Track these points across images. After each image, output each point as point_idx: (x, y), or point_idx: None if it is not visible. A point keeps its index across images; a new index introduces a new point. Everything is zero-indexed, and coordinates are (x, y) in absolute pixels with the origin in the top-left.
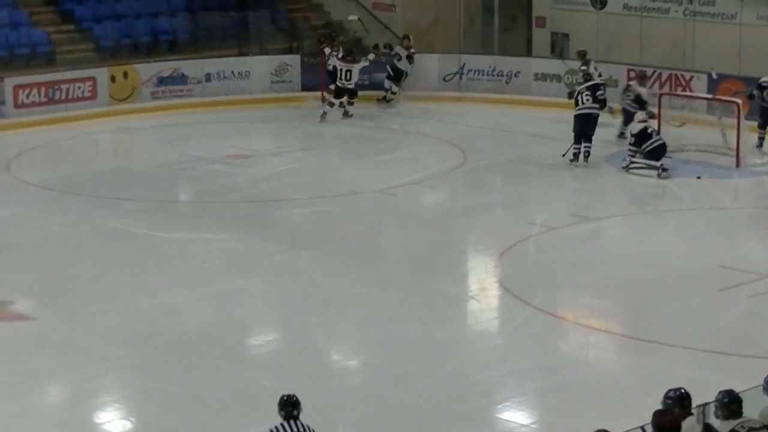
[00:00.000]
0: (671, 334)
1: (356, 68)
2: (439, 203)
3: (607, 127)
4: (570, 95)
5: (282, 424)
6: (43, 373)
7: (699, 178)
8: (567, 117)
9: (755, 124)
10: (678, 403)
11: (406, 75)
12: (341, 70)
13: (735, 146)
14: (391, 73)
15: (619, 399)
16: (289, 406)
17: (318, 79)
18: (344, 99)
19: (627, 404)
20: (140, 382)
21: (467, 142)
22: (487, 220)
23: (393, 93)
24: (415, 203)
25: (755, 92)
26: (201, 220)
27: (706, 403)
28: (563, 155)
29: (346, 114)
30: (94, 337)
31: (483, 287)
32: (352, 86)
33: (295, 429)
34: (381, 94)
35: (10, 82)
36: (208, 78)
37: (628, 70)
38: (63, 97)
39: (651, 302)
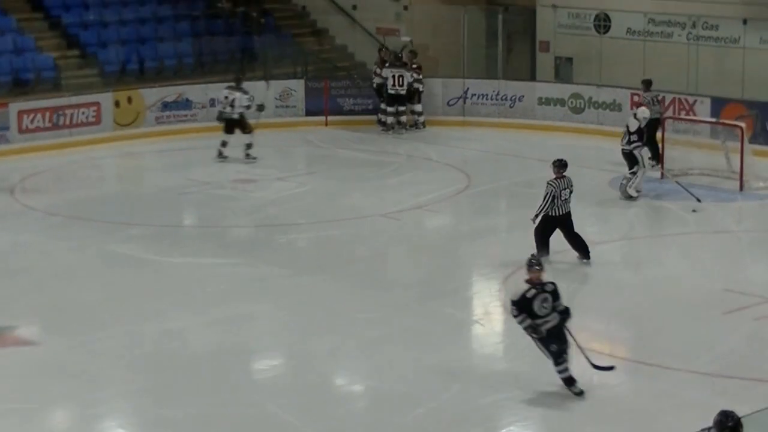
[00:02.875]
0: (676, 357)
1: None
2: (444, 227)
3: (607, 151)
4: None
5: None
6: (50, 399)
7: (699, 200)
8: (570, 141)
9: (759, 147)
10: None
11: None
12: (394, 76)
13: (739, 170)
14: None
15: (624, 423)
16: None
17: (322, 104)
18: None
19: (633, 429)
20: (147, 408)
21: (471, 166)
22: (491, 245)
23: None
24: (420, 227)
25: None
26: (206, 244)
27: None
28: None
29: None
30: (100, 363)
31: (488, 311)
32: (404, 92)
33: None
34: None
35: (15, 107)
36: (212, 103)
37: (632, 95)
38: (67, 122)
39: (656, 326)
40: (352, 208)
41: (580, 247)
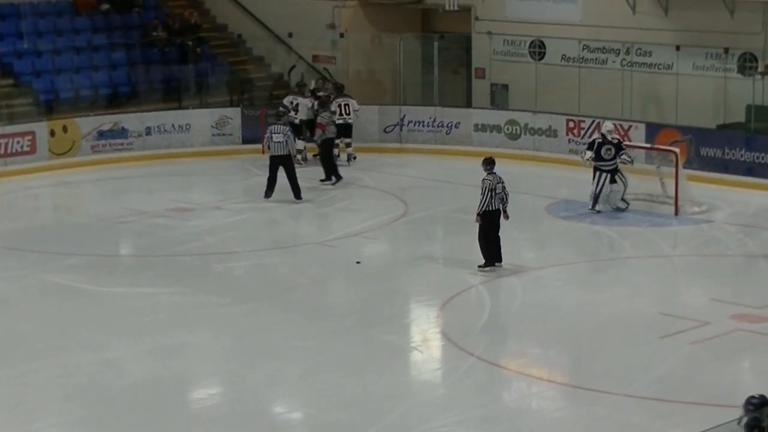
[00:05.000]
0: (613, 382)
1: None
2: (381, 254)
3: (543, 177)
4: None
5: None
6: None
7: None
8: (507, 168)
9: (693, 172)
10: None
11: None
12: (341, 105)
13: (674, 195)
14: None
15: None
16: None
17: (258, 131)
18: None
19: None
20: None
21: (408, 193)
22: (428, 271)
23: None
24: (357, 255)
25: None
26: (143, 273)
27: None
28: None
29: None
30: (36, 393)
31: (426, 338)
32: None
33: None
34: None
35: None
36: (148, 131)
37: (567, 120)
38: (2, 151)
39: (593, 351)
40: (290, 235)
41: (498, 249)
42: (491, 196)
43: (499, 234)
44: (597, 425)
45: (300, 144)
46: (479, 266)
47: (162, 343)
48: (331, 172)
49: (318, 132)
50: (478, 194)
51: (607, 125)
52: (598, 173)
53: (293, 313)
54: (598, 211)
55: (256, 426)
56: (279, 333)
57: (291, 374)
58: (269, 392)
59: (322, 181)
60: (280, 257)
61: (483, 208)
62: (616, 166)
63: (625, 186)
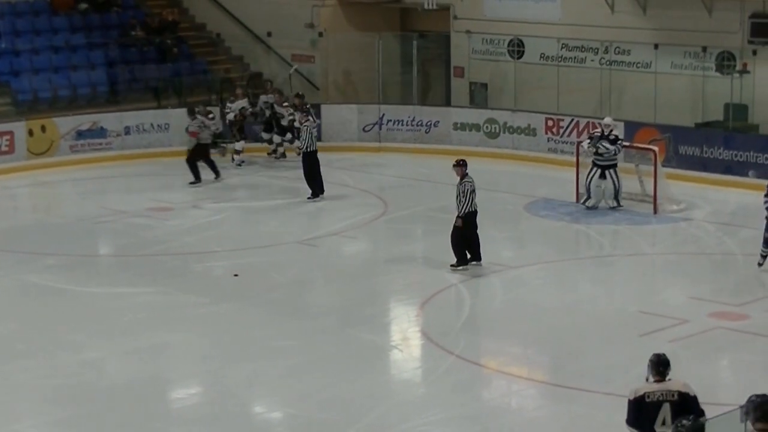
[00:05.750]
0: (593, 380)
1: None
2: (361, 253)
3: (522, 176)
4: None
5: None
6: None
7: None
8: (486, 166)
9: (672, 170)
10: None
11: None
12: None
13: (652, 193)
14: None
15: None
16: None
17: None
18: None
19: None
20: None
21: (388, 192)
22: (408, 270)
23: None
24: (337, 254)
25: None
26: (122, 273)
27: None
28: None
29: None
30: (17, 394)
31: (406, 337)
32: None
33: None
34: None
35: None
36: (127, 131)
37: (546, 119)
38: None
39: (572, 349)
40: (269, 235)
41: (477, 248)
42: (473, 198)
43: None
44: (576, 424)
45: (277, 138)
46: (452, 265)
47: (142, 343)
48: (207, 174)
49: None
50: (455, 194)
51: (606, 120)
52: (590, 166)
53: (273, 312)
54: (588, 207)
55: (236, 426)
56: (259, 333)
57: (271, 374)
58: (249, 392)
59: (191, 183)
60: (259, 257)
61: (465, 210)
62: (614, 164)
63: (616, 185)
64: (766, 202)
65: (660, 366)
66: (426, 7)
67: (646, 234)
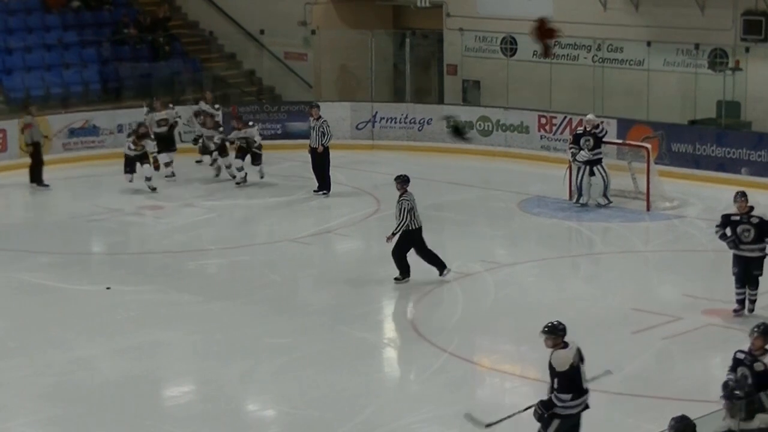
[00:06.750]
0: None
1: None
2: (354, 251)
3: (515, 173)
4: None
5: None
6: None
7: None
8: (479, 164)
9: (665, 168)
10: None
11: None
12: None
13: (645, 190)
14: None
15: None
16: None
17: (230, 129)
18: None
19: None
20: None
21: (381, 189)
22: None
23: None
24: (330, 252)
25: None
26: (115, 271)
27: None
28: None
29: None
30: (7, 392)
31: (399, 334)
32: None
33: None
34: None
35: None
36: (120, 129)
37: (539, 116)
38: None
39: None
40: (262, 233)
41: (437, 262)
42: (411, 216)
43: (428, 247)
44: None
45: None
46: (395, 279)
47: (134, 341)
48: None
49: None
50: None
51: (589, 116)
52: (577, 165)
53: (266, 310)
54: (582, 204)
55: (230, 423)
56: (252, 330)
57: (264, 372)
58: (242, 390)
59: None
60: (252, 255)
61: (400, 229)
62: (597, 158)
63: (605, 181)
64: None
65: None
66: (419, 4)
67: (639, 231)
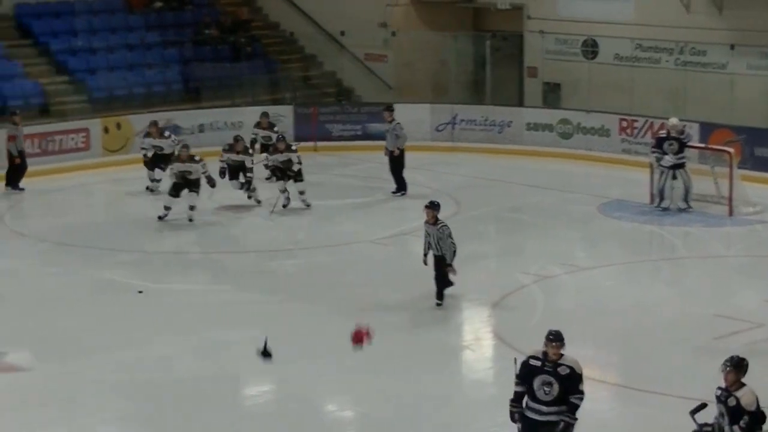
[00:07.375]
0: (666, 383)
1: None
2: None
3: (595, 176)
4: None
5: None
6: (37, 425)
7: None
8: (559, 167)
9: (747, 172)
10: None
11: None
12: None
13: (728, 195)
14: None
15: None
16: None
17: (311, 130)
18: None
19: None
20: None
21: (460, 192)
22: (480, 270)
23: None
24: (408, 254)
25: None
26: (194, 270)
27: None
28: None
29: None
30: (87, 389)
31: (478, 337)
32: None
33: None
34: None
35: (3, 133)
36: (201, 128)
37: (620, 120)
38: (56, 148)
39: (646, 351)
40: (341, 234)
41: (441, 290)
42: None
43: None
44: (644, 425)
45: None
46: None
47: (211, 340)
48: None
49: None
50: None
51: (672, 120)
52: (660, 169)
53: (344, 311)
54: (664, 209)
55: (305, 424)
56: (329, 331)
57: (341, 372)
58: (319, 390)
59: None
60: (331, 255)
61: (451, 257)
62: (681, 163)
63: (687, 186)
64: None
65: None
66: (499, 6)
67: (721, 236)
